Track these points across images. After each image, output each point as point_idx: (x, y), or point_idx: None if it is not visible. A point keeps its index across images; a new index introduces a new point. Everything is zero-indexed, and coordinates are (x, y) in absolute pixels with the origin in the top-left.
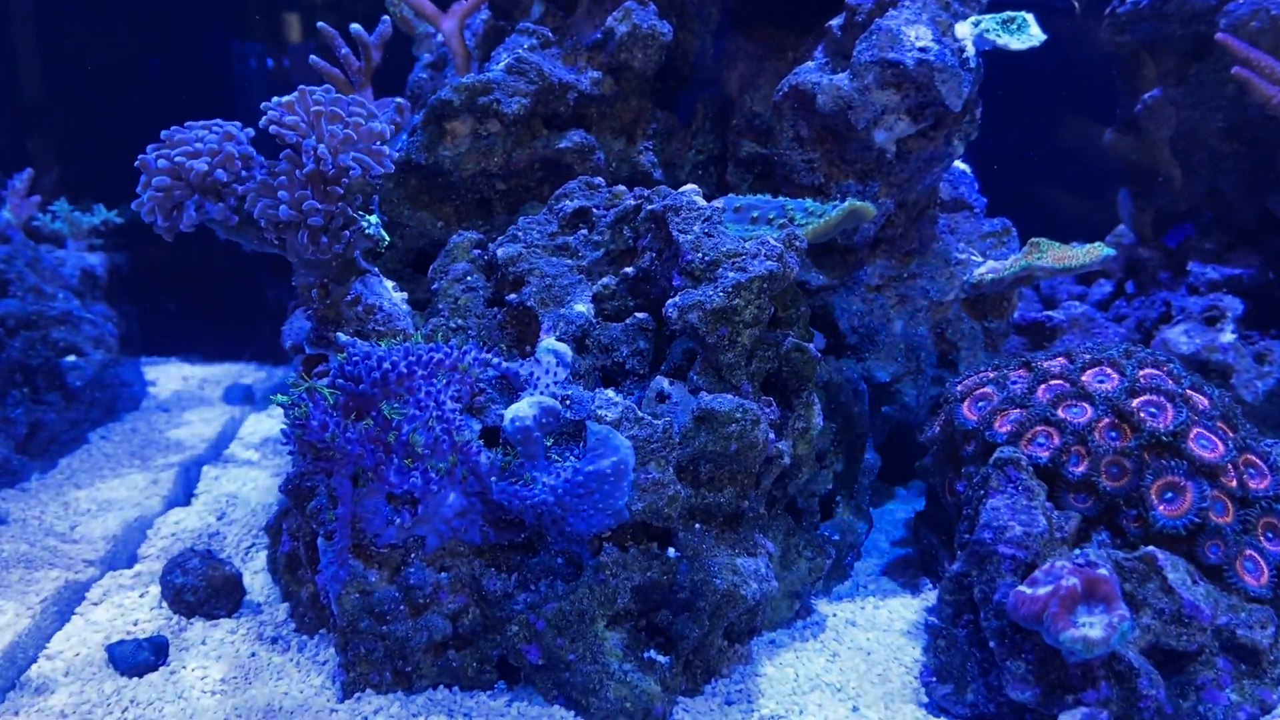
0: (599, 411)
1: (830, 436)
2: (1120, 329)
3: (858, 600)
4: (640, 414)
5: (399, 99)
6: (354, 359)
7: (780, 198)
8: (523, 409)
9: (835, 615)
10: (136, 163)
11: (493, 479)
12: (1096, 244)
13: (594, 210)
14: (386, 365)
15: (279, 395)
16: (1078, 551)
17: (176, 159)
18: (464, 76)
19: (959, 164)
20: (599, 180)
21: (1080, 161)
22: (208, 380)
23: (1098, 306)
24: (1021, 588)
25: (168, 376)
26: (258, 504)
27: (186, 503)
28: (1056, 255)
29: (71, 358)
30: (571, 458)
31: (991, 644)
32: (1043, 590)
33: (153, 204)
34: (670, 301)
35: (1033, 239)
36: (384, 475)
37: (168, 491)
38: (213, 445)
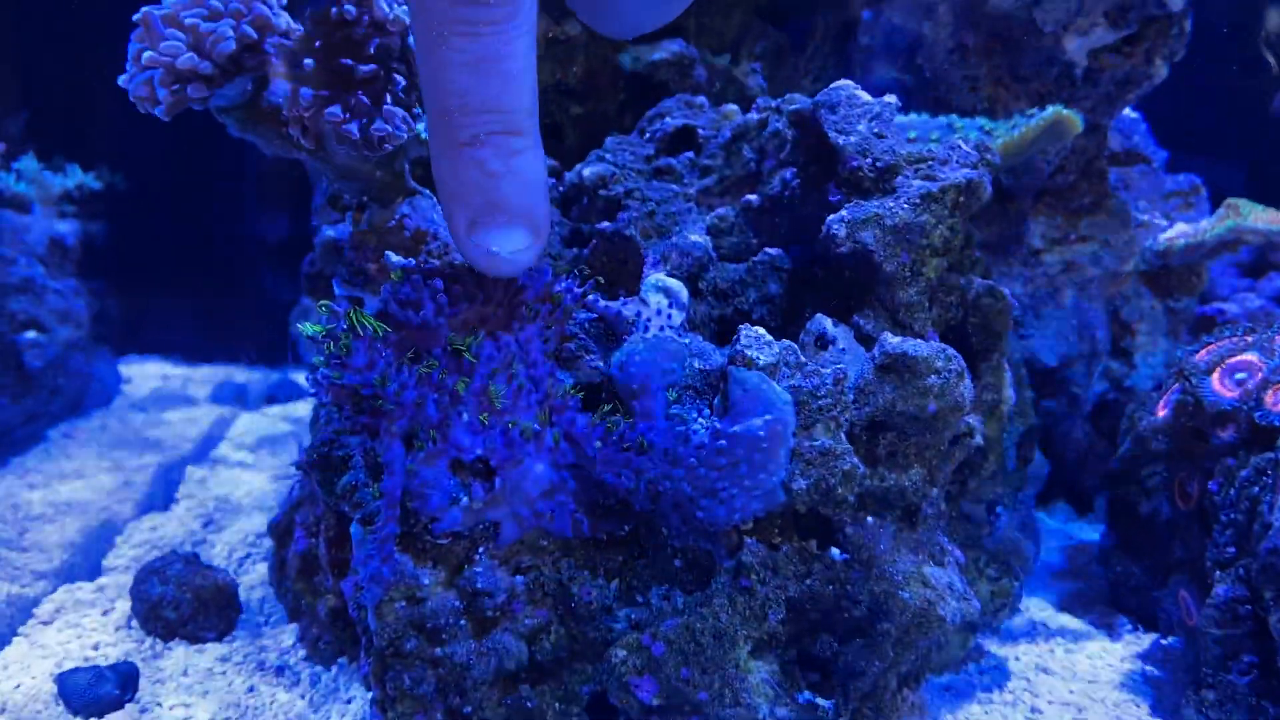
0: (747, 353)
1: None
2: None
3: (1040, 642)
4: (803, 359)
5: None
6: (413, 278)
7: (944, 116)
8: (638, 349)
9: (1018, 659)
10: (137, 16)
11: (596, 443)
12: None
13: (700, 130)
14: (456, 287)
15: (307, 325)
16: None
17: (188, 20)
18: None
19: (1127, 110)
20: (701, 99)
21: (1236, 129)
22: (192, 380)
23: (1275, 303)
24: None
25: (145, 375)
26: (254, 509)
27: (166, 508)
28: (1269, 216)
29: (31, 334)
30: (699, 420)
31: None
32: None
33: (153, 73)
34: (835, 217)
35: (1229, 200)
36: (450, 434)
37: (142, 495)
38: (198, 446)
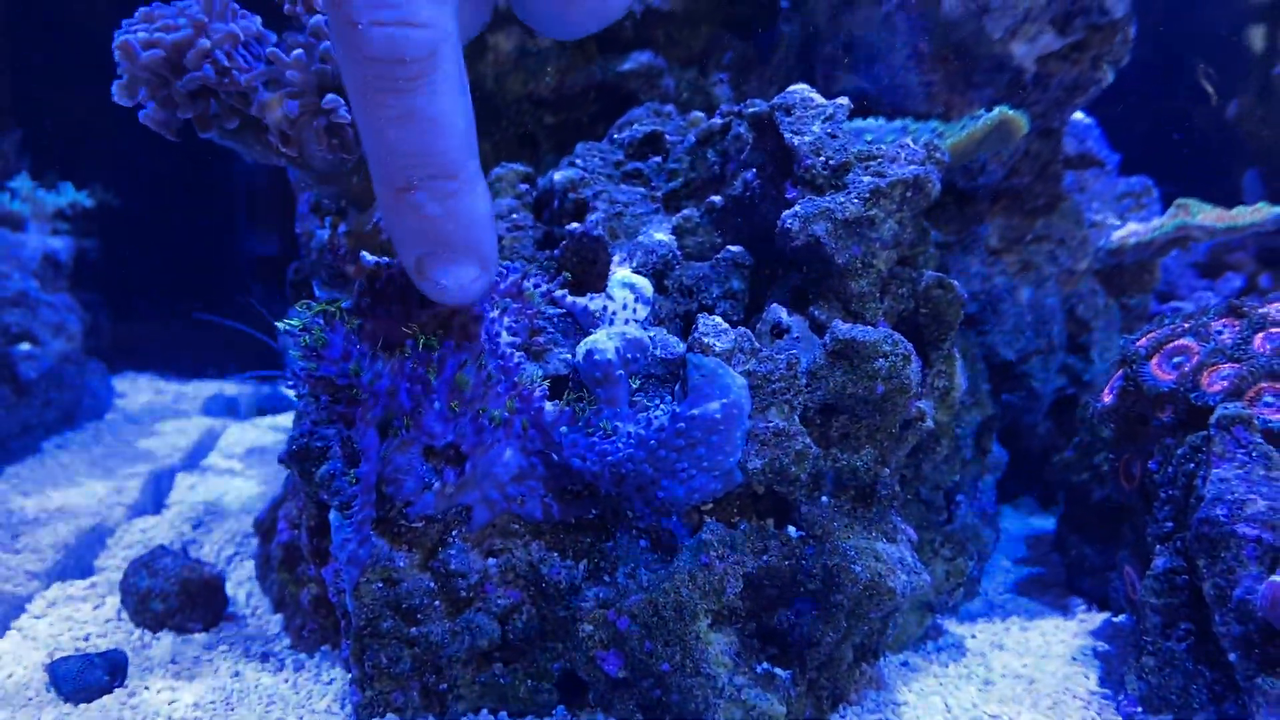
0: (705, 340)
1: (960, 415)
2: None
3: (996, 621)
4: (758, 345)
5: None
6: (386, 274)
7: (900, 120)
8: (601, 340)
9: (974, 637)
10: (116, 43)
11: (562, 429)
12: (1262, 204)
13: (667, 136)
14: None
15: (285, 321)
16: None
17: (159, 36)
18: None
19: (1078, 114)
20: (669, 108)
21: (1196, 140)
22: (184, 395)
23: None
24: (1277, 578)
25: (138, 389)
26: (242, 513)
27: (156, 512)
28: (1215, 215)
29: (25, 346)
30: (661, 406)
31: (1231, 657)
32: None
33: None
34: (789, 213)
35: (1179, 200)
36: (422, 422)
37: (134, 500)
38: (189, 455)
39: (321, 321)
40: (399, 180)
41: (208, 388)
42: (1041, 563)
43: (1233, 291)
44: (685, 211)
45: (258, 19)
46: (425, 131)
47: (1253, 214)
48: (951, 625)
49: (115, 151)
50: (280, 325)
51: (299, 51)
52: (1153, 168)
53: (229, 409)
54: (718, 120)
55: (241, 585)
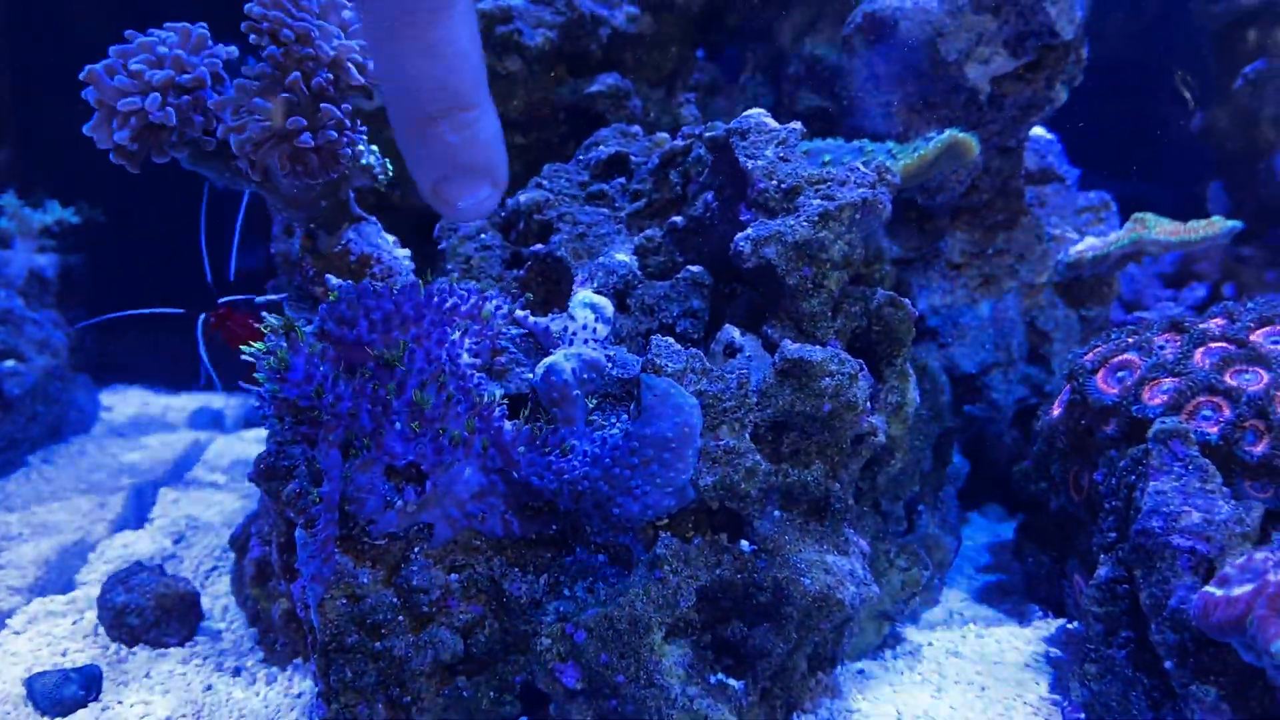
0: (657, 361)
1: (918, 428)
2: None
3: (954, 629)
4: (709, 366)
5: None
6: (348, 298)
7: (858, 140)
8: (559, 360)
9: (931, 644)
10: (83, 74)
11: (520, 448)
12: (1216, 218)
13: (632, 157)
14: (389, 305)
15: (248, 346)
16: (1264, 552)
17: (134, 67)
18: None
19: (1040, 130)
20: (636, 129)
21: (1162, 152)
22: (171, 408)
23: (1193, 311)
24: (1209, 588)
25: (126, 402)
26: (223, 527)
27: (139, 527)
28: (1170, 229)
29: (10, 363)
30: (616, 425)
31: (1167, 665)
32: (1241, 590)
33: (119, 124)
34: (741, 235)
35: (1136, 214)
36: (383, 442)
37: (116, 515)
38: (173, 469)
39: (284, 344)
40: (420, 112)
41: (196, 400)
42: (1003, 570)
43: (1197, 301)
44: (648, 232)
45: (234, 49)
46: (447, 64)
47: (1206, 227)
48: (911, 633)
49: (102, 168)
50: (244, 350)
51: (262, 81)
52: (1120, 179)
53: (215, 422)
54: (680, 142)
55: (219, 600)
